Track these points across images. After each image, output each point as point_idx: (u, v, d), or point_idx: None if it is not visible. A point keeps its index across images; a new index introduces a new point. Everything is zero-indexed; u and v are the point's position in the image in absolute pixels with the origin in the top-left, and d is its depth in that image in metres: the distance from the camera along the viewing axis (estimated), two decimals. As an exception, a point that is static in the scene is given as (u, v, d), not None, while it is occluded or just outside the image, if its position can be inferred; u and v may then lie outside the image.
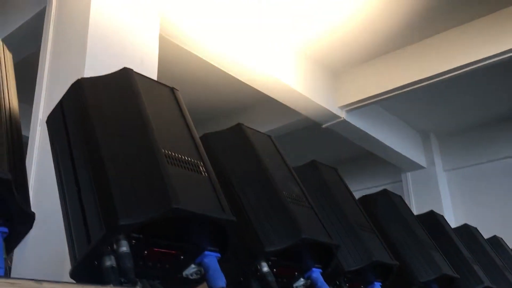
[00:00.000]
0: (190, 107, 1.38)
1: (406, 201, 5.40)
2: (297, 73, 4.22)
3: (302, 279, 1.45)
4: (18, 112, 1.04)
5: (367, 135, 4.91)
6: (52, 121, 1.24)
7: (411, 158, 5.43)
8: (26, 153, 2.45)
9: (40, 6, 3.15)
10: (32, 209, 0.92)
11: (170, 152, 1.13)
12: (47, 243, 1.96)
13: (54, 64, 2.66)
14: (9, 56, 1.09)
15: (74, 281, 1.00)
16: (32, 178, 2.34)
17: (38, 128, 2.53)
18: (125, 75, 1.24)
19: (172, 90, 1.35)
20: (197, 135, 1.29)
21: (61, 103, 1.22)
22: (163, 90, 1.33)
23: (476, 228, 2.84)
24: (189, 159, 1.17)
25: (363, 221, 1.79)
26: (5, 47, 1.08)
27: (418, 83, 4.25)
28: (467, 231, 2.73)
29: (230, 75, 3.94)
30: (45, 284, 0.80)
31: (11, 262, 2.13)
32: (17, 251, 2.11)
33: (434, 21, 3.98)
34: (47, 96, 2.58)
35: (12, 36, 3.40)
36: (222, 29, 3.60)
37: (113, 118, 1.14)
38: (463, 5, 3.80)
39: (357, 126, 4.77)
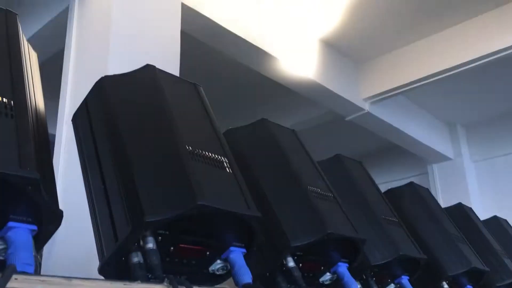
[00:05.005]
0: (212, 101, 1.38)
1: (433, 194, 5.35)
2: (318, 65, 4.18)
3: (328, 274, 1.45)
4: (44, 111, 1.06)
5: (391, 127, 4.85)
6: (78, 119, 1.25)
7: (437, 149, 5.34)
8: (53, 151, 2.49)
9: (63, 5, 3.20)
10: (60, 207, 0.93)
11: (194, 149, 1.13)
12: (75, 240, 1.99)
13: (78, 61, 2.69)
14: (34, 55, 1.11)
15: (102, 278, 1.01)
16: (60, 175, 2.38)
17: (65, 126, 2.57)
18: (148, 72, 1.25)
19: (195, 85, 1.35)
20: (220, 131, 1.29)
21: (85, 101, 1.23)
22: (186, 86, 1.33)
23: (506, 220, 2.77)
24: (213, 155, 1.17)
25: (389, 215, 1.77)
26: (30, 47, 1.10)
27: (443, 73, 4.17)
28: (496, 223, 2.67)
29: (251, 68, 3.93)
30: (75, 281, 0.81)
31: (41, 258, 2.18)
32: (46, 249, 2.15)
33: (458, 9, 3.89)
34: (73, 94, 2.61)
35: (38, 35, 3.47)
36: (243, 20, 3.58)
37: (137, 115, 1.15)
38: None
39: (381, 118, 4.71)
